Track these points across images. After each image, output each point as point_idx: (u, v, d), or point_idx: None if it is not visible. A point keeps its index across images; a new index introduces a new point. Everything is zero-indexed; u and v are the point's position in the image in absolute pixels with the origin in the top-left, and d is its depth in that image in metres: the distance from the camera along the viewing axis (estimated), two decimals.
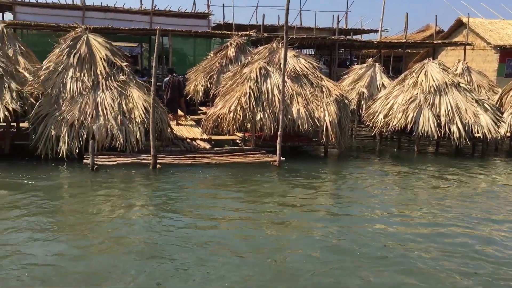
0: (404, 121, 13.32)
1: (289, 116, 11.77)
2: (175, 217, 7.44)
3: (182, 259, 5.77)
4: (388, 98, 14.30)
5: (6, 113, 10.11)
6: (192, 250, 6.04)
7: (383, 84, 16.56)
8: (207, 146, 12.23)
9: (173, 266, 5.57)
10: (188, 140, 12.50)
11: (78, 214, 7.48)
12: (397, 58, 28.44)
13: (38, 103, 10.80)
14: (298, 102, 12.07)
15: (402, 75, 15.03)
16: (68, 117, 10.65)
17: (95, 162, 9.89)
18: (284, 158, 11.11)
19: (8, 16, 22.73)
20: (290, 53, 12.70)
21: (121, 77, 11.52)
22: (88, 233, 6.62)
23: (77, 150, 10.46)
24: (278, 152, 10.99)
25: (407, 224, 7.48)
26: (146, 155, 10.54)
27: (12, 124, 11.35)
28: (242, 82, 12.27)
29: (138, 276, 5.26)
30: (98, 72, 11.32)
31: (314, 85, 12.52)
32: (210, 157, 11.15)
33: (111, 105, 10.96)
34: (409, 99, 13.63)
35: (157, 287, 5.06)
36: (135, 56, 26.76)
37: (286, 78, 11.56)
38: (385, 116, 13.86)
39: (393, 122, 13.52)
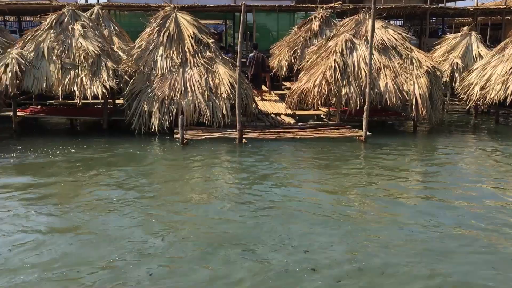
0: (503, 93, 12.37)
1: (376, 90, 11.40)
2: (262, 190, 7.54)
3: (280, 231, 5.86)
4: (486, 68, 13.33)
5: (104, 91, 10.77)
6: (285, 221, 6.11)
7: (479, 54, 15.42)
8: (292, 121, 12.23)
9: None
10: (272, 115, 12.57)
11: (169, 185, 7.86)
12: (495, 26, 26.25)
13: (132, 81, 11.40)
14: (385, 75, 11.63)
15: (502, 44, 13.89)
16: (159, 94, 11.13)
17: (184, 137, 10.27)
18: (370, 133, 10.81)
19: None
20: (378, 24, 12.20)
21: (208, 53, 11.79)
22: (178, 203, 6.93)
23: (167, 125, 10.94)
24: (364, 126, 10.70)
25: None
26: (232, 130, 10.77)
27: (109, 100, 12.09)
28: (327, 56, 12.04)
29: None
30: (186, 50, 11.66)
31: (403, 57, 11.97)
32: (295, 132, 11.15)
33: (199, 81, 11.28)
34: (509, 69, 12.60)
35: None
36: (219, 33, 27.21)
37: (373, 50, 11.15)
38: (482, 88, 12.97)
39: (491, 94, 12.61)
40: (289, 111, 12.82)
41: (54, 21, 11.57)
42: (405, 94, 11.46)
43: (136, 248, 5.27)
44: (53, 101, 13.76)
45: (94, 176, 8.23)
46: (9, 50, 11.41)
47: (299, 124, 11.94)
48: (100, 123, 11.86)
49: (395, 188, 7.73)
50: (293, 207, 6.71)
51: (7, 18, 23.82)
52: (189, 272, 4.79)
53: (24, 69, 10.84)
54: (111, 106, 12.70)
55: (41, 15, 12.65)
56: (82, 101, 11.02)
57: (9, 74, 10.66)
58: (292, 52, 16.39)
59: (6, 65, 10.78)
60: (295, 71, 15.80)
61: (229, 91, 11.18)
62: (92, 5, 16.76)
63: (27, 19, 25.13)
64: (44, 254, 5.12)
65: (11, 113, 11.50)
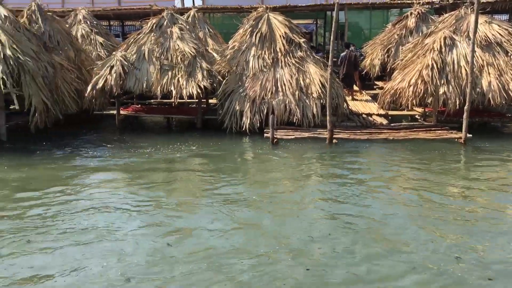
0: None
1: (477, 89, 10.70)
2: (353, 191, 7.39)
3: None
4: None
5: (198, 90, 11.18)
6: (373, 222, 5.96)
7: None
8: (384, 121, 11.85)
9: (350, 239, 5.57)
10: (363, 115, 12.27)
11: (259, 184, 7.97)
12: None
13: (224, 81, 11.72)
14: (489, 74, 10.86)
15: None
16: (251, 93, 11.33)
17: (275, 136, 10.36)
18: (471, 135, 10.16)
19: (197, 2, 25.06)
20: (481, 19, 11.43)
21: (299, 53, 11.79)
22: (267, 202, 7.00)
23: (258, 125, 11.10)
24: (464, 128, 10.07)
25: None
26: (322, 130, 10.67)
27: (202, 100, 12.53)
28: (423, 54, 11.50)
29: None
30: (278, 50, 11.75)
31: (509, 54, 11.10)
32: (387, 133, 10.79)
33: (290, 81, 11.31)
34: None
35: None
36: (310, 32, 27.11)
37: (475, 47, 10.45)
38: None
39: None
40: (382, 111, 12.43)
41: (154, 25, 12.22)
42: (510, 93, 10.63)
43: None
44: (151, 101, 14.58)
45: (185, 174, 8.57)
46: (114, 52, 12.25)
47: (392, 124, 11.54)
48: (194, 121, 12.34)
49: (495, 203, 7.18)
50: (386, 218, 6.49)
51: (111, 23, 25.60)
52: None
53: (127, 70, 11.57)
54: (205, 106, 13.15)
55: (143, 19, 13.43)
56: (178, 100, 11.53)
57: (114, 75, 11.43)
58: (385, 50, 15.87)
59: (111, 67, 11.57)
60: (388, 70, 15.28)
61: (319, 91, 11.10)
62: (189, 9, 17.49)
63: (130, 23, 26.84)
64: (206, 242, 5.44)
65: (114, 112, 12.35)
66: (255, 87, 11.40)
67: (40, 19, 12.55)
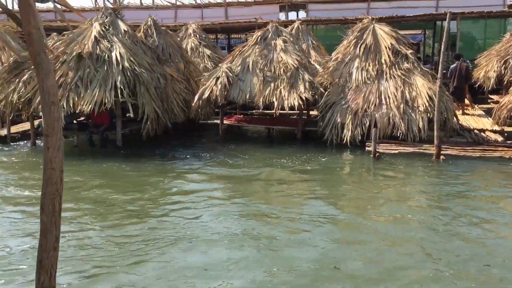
0: None
1: None
2: (466, 215, 6.88)
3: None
4: None
5: (300, 102, 11.21)
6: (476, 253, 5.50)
7: None
8: (499, 138, 10.94)
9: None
10: (475, 131, 11.45)
11: (359, 199, 7.75)
12: None
13: (326, 93, 11.63)
14: None
15: None
16: (353, 106, 11.11)
17: (377, 150, 10.04)
18: None
19: (301, 14, 25.28)
20: None
21: (405, 65, 11.35)
22: (368, 218, 6.77)
23: (359, 137, 10.84)
24: None
25: None
26: (428, 145, 10.14)
27: (304, 112, 12.54)
28: None
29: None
30: (383, 61, 11.42)
31: None
32: (504, 151, 9.95)
33: (394, 93, 10.92)
34: None
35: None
36: (417, 43, 26.03)
37: None
38: None
39: None
40: (497, 127, 11.52)
41: (259, 37, 12.53)
42: None
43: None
44: (253, 111, 14.93)
45: (283, 187, 8.60)
46: (220, 64, 12.75)
47: (509, 142, 10.61)
48: (294, 132, 12.39)
49: None
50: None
51: (218, 36, 26.74)
52: None
53: (231, 82, 11.97)
54: (305, 117, 13.16)
55: (248, 32, 13.85)
56: (279, 111, 11.67)
57: (219, 86, 11.88)
58: (502, 62, 14.70)
59: (217, 78, 12.05)
60: (505, 82, 14.15)
61: (426, 104, 10.56)
62: (293, 21, 17.69)
63: (235, 36, 27.88)
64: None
65: (218, 121, 12.82)
66: (358, 100, 11.17)
67: (155, 33, 13.51)
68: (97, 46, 10.88)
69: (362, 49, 11.74)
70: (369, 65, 11.51)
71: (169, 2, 25.11)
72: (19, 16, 2.39)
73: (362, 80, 11.38)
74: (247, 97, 11.91)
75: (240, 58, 12.50)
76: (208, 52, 16.16)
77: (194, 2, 25.01)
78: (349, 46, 12.07)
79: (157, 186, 8.37)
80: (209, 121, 13.21)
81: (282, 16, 23.34)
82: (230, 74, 12.02)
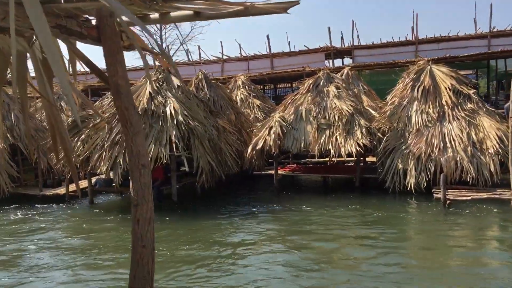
0: None
1: None
2: None
3: None
4: None
5: (358, 148, 10.78)
6: None
7: None
8: None
9: None
10: None
11: (429, 252, 7.09)
12: None
13: (385, 138, 11.15)
14: None
15: None
16: (415, 150, 10.56)
17: (447, 197, 9.36)
18: None
19: (346, 61, 25.21)
20: None
21: (469, 105, 10.78)
22: (440, 276, 6.11)
23: (424, 184, 10.20)
24: None
25: None
26: (503, 190, 9.38)
27: (360, 158, 12.06)
28: None
29: None
30: (444, 102, 10.91)
31: None
32: None
33: (459, 135, 10.32)
34: None
35: None
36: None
37: None
38: None
39: None
40: None
41: (311, 85, 12.35)
42: None
43: None
44: (306, 160, 14.56)
45: (345, 240, 8.05)
46: (272, 114, 12.59)
47: None
48: (351, 180, 11.87)
49: None
50: None
51: (265, 87, 26.94)
52: None
53: (285, 131, 11.73)
54: (362, 164, 12.65)
55: (298, 80, 13.73)
56: (333, 159, 11.26)
57: (273, 136, 11.65)
58: None
59: (270, 128, 11.84)
60: None
61: (497, 146, 9.87)
62: (341, 67, 17.52)
63: (281, 86, 28.00)
64: None
65: (272, 171, 12.50)
66: (420, 144, 10.61)
67: (206, 87, 13.60)
68: (152, 102, 10.97)
69: (420, 91, 11.29)
70: (429, 108, 11.01)
71: (215, 57, 25.70)
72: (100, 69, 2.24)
73: (422, 123, 10.86)
74: (302, 145, 11.59)
75: (292, 106, 12.30)
76: (257, 102, 16.12)
77: (240, 56, 25.47)
78: (406, 89, 11.65)
79: (219, 242, 8.02)
80: (262, 172, 12.90)
81: (327, 64, 23.32)
82: (283, 123, 11.80)
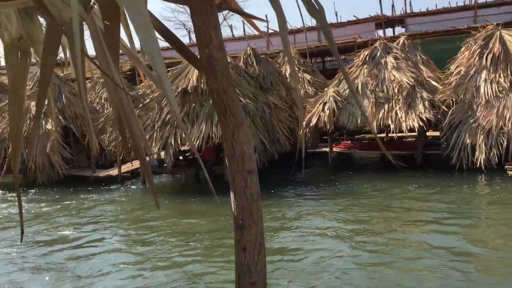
0: None
1: None
2: None
3: None
4: None
5: (420, 123, 10.06)
6: None
7: None
8: None
9: None
10: None
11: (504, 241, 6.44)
12: None
13: (450, 111, 10.33)
14: None
15: None
16: (484, 124, 9.73)
17: None
18: None
19: (398, 30, 23.91)
20: None
21: None
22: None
23: (496, 160, 9.39)
24: None
25: None
26: None
27: (422, 134, 11.32)
28: None
29: None
30: None
31: None
32: None
33: None
34: None
35: None
36: None
37: None
38: None
39: None
40: None
41: (367, 56, 11.61)
42: None
43: None
44: (361, 136, 13.87)
45: (407, 226, 7.47)
46: (325, 89, 11.97)
47: None
48: (412, 157, 11.16)
49: None
50: None
51: (312, 60, 26.09)
52: None
53: (340, 106, 11.11)
54: (423, 139, 11.88)
55: (349, 53, 12.99)
56: (391, 135, 10.58)
57: (327, 112, 11.07)
58: None
59: (324, 103, 11.26)
60: None
61: None
62: (397, 37, 16.51)
63: (329, 59, 27.02)
64: None
65: (325, 149, 11.96)
66: (490, 116, 9.76)
67: (255, 62, 13.08)
68: (201, 80, 10.60)
69: (489, 59, 10.33)
70: (499, 77, 10.08)
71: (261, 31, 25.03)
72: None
73: (492, 93, 9.96)
74: (358, 121, 10.97)
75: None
76: (308, 77, 15.45)
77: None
78: (473, 57, 10.71)
79: (277, 227, 7.65)
80: (316, 150, 12.38)
81: (378, 34, 22.19)
82: (338, 98, 11.18)
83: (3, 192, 11.62)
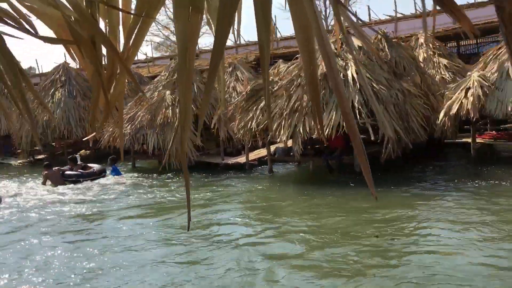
0: None
1: None
2: None
3: None
4: None
5: None
6: None
7: None
8: None
9: None
10: None
11: None
12: None
13: None
14: None
15: None
16: None
17: None
18: None
19: None
20: None
21: None
22: None
23: None
24: None
25: None
26: None
27: None
28: None
29: None
30: None
31: None
32: None
33: None
34: None
35: None
36: None
37: None
38: None
39: None
40: None
41: None
42: None
43: None
44: (506, 126, 12.37)
45: None
46: (469, 73, 10.82)
47: None
48: None
49: None
50: None
51: (446, 44, 24.13)
52: None
53: (487, 92, 9.95)
54: None
55: (491, 35, 11.58)
56: None
57: (471, 98, 9.98)
58: None
59: (467, 89, 10.17)
60: None
61: None
62: None
63: (465, 43, 24.77)
64: None
65: (467, 139, 10.84)
66: None
67: (386, 47, 12.29)
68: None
69: None
70: None
71: (388, 15, 23.81)
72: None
73: None
74: (509, 109, 9.72)
75: (495, 63, 10.37)
76: (444, 61, 14.21)
77: (415, 12, 23.11)
78: None
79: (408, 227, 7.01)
80: (457, 140, 11.28)
81: None
82: (485, 83, 10.01)
83: (141, 174, 12.39)
